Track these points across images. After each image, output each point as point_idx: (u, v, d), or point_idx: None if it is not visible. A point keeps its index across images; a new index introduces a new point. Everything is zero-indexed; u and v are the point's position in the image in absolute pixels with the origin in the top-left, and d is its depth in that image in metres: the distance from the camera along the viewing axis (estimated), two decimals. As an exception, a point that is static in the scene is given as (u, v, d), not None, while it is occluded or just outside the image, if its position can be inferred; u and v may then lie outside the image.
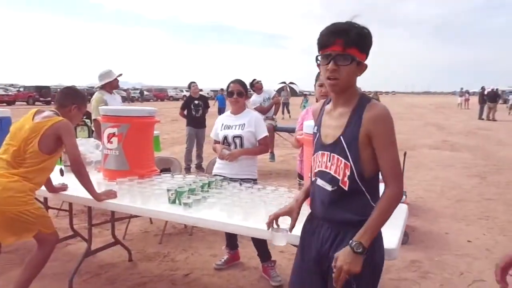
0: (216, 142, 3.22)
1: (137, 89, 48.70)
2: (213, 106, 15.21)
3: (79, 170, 2.56)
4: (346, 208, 1.52)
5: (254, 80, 7.54)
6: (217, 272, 3.30)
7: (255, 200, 2.32)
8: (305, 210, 1.76)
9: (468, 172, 7.60)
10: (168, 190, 2.48)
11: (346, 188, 1.51)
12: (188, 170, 6.95)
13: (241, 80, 3.21)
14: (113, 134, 2.93)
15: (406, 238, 3.86)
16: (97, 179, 2.82)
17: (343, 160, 1.50)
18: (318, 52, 1.55)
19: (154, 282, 3.13)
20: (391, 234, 1.86)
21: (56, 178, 3.02)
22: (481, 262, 3.56)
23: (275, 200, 2.32)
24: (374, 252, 1.50)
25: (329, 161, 1.55)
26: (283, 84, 27.68)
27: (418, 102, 48.97)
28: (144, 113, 3.08)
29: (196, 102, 7.34)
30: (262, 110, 7.11)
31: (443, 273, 3.35)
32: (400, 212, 2.27)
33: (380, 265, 1.57)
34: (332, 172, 1.54)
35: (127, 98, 34.51)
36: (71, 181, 2.77)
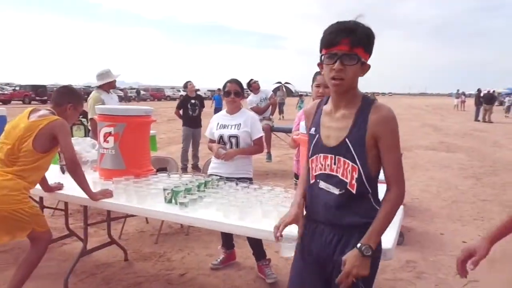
0: (211, 141, 3.22)
1: (134, 88, 48.57)
2: (210, 107, 15.21)
3: (75, 169, 2.55)
4: (354, 211, 1.51)
5: (252, 80, 7.54)
6: (213, 272, 3.29)
7: (251, 200, 2.32)
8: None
9: (464, 173, 7.63)
10: (164, 190, 2.48)
11: (354, 191, 1.49)
12: (184, 170, 6.94)
13: (238, 80, 3.22)
14: (109, 134, 2.93)
15: (402, 238, 3.87)
16: (93, 178, 2.81)
17: (351, 163, 1.48)
18: (321, 51, 1.51)
19: (150, 281, 3.12)
20: (386, 234, 1.87)
21: (54, 176, 3.02)
22: (476, 262, 3.57)
23: (271, 200, 2.33)
24: (377, 253, 1.51)
25: (334, 164, 1.52)
26: (279, 84, 27.71)
27: (415, 103, 49.11)
28: (141, 112, 3.08)
29: (193, 101, 7.28)
30: (258, 111, 7.10)
31: (438, 273, 3.37)
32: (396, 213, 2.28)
33: (378, 263, 1.59)
34: (339, 175, 1.51)
35: (124, 98, 34.43)
36: (67, 180, 2.76)
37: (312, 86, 2.89)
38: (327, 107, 1.61)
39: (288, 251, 1.70)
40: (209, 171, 3.20)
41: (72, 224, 3.94)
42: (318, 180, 1.58)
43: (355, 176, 1.48)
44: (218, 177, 2.87)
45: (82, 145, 3.60)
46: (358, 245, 1.43)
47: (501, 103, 31.23)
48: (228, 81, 3.19)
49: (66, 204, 3.61)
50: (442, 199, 5.73)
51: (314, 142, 1.60)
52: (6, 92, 31.44)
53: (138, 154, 3.05)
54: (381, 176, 1.55)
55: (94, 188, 2.65)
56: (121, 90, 38.49)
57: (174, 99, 42.10)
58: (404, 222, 4.00)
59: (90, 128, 4.88)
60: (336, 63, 1.44)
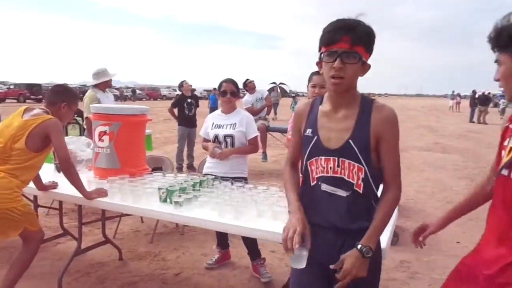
0: (206, 140, 3.22)
1: (129, 87, 48.41)
2: (207, 107, 15.18)
3: (68, 169, 2.54)
4: (363, 214, 1.48)
5: (247, 80, 7.55)
6: (208, 271, 3.29)
7: (246, 199, 2.32)
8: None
9: (459, 174, 7.67)
10: (159, 189, 2.47)
11: (361, 191, 1.47)
12: (180, 169, 6.93)
13: (233, 80, 3.22)
14: (105, 132, 2.92)
15: (396, 238, 3.89)
16: (88, 177, 2.81)
17: (356, 164, 1.45)
18: (320, 49, 1.47)
19: (144, 281, 3.11)
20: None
21: (49, 175, 3.00)
22: (470, 263, 3.59)
23: (266, 199, 2.33)
24: (377, 253, 1.52)
25: (338, 166, 1.48)
26: (274, 85, 27.70)
27: (410, 105, 49.31)
28: (136, 111, 3.07)
29: (189, 100, 7.26)
30: (252, 111, 7.10)
31: (432, 273, 3.38)
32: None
33: (381, 265, 1.59)
34: (345, 177, 1.48)
35: (120, 97, 34.30)
36: (62, 179, 2.74)
37: (308, 86, 2.90)
38: (325, 108, 1.56)
39: (300, 263, 1.45)
40: (204, 171, 3.20)
41: (67, 223, 3.92)
42: (319, 183, 1.53)
43: (362, 176, 1.46)
44: (213, 176, 2.87)
45: (77, 144, 3.58)
46: (359, 246, 1.41)
47: (496, 105, 31.39)
48: (223, 81, 3.19)
49: (60, 203, 3.60)
50: (437, 200, 5.76)
51: (312, 144, 1.54)
52: (0, 90, 31.23)
53: (133, 153, 3.04)
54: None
55: (89, 187, 2.64)
56: (117, 89, 38.36)
57: (170, 98, 41.98)
58: (399, 222, 4.02)
59: (85, 127, 4.86)
60: (336, 61, 1.40)
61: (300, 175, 1.67)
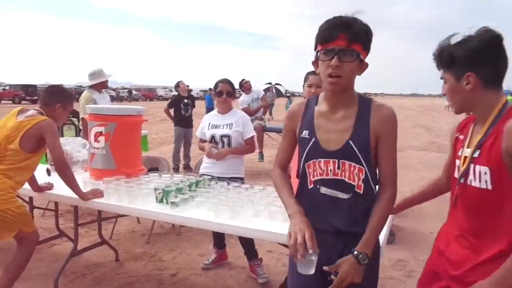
0: (202, 140, 3.22)
1: (126, 88, 48.29)
2: (204, 107, 15.14)
3: (63, 170, 2.53)
4: (364, 217, 1.45)
5: (243, 80, 7.55)
6: (204, 271, 3.29)
7: (243, 199, 2.32)
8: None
9: (454, 173, 7.69)
10: (155, 189, 2.47)
11: (361, 192, 1.45)
12: (176, 170, 6.92)
13: (229, 80, 3.22)
14: (100, 133, 2.91)
15: (393, 237, 3.90)
16: (83, 178, 2.80)
17: (357, 166, 1.43)
18: (316, 48, 1.43)
19: (141, 282, 3.11)
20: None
21: (44, 176, 2.99)
22: (466, 261, 3.60)
23: (262, 199, 2.34)
24: (375, 261, 1.53)
25: (338, 168, 1.45)
26: (269, 85, 27.69)
27: (406, 104, 49.45)
28: (132, 112, 3.07)
29: (186, 101, 7.25)
30: (248, 112, 7.09)
31: (429, 272, 3.39)
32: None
33: (378, 263, 1.59)
34: (346, 179, 1.45)
35: (116, 98, 34.20)
36: (57, 180, 2.73)
37: (304, 86, 2.89)
38: (321, 108, 1.51)
39: (310, 269, 1.37)
40: (201, 171, 3.20)
41: (63, 224, 3.91)
42: (318, 186, 1.49)
43: (362, 177, 1.44)
44: (210, 176, 2.87)
45: (73, 145, 3.57)
46: (355, 252, 1.40)
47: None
48: (219, 81, 3.19)
49: (56, 204, 3.58)
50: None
51: (309, 146, 1.49)
52: (-5, 91, 31.13)
53: (129, 154, 3.03)
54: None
55: (85, 188, 2.63)
56: (113, 90, 38.24)
57: (167, 99, 41.91)
58: (395, 221, 4.02)
59: (81, 127, 4.85)
60: (333, 59, 1.36)
61: (297, 179, 1.62)
